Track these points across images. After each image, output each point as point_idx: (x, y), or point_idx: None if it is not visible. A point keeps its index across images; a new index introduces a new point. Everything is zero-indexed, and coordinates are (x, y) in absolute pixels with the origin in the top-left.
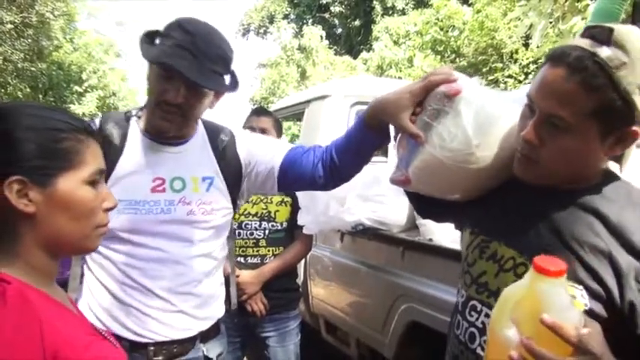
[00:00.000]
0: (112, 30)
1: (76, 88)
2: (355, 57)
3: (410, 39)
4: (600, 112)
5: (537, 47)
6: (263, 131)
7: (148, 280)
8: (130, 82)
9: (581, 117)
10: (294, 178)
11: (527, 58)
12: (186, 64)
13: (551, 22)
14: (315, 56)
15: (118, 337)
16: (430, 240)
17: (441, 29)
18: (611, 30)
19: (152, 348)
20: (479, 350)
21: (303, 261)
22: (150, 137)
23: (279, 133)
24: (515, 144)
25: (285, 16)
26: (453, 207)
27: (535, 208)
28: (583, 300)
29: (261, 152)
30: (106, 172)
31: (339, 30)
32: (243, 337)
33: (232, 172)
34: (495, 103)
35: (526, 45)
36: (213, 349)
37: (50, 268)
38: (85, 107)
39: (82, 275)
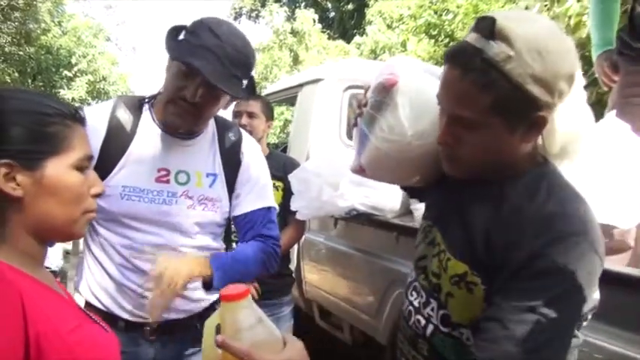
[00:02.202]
0: (100, 13)
1: (66, 72)
2: (349, 41)
3: (404, 23)
4: (500, 106)
5: None
6: (251, 115)
7: (144, 263)
8: (120, 67)
9: (483, 114)
10: (238, 225)
11: None
12: (210, 67)
13: (546, 5)
14: (307, 40)
15: (115, 317)
16: None
17: (435, 13)
18: (493, 22)
19: (148, 328)
20: (413, 327)
21: (296, 246)
22: (161, 128)
23: (269, 117)
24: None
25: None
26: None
27: (460, 197)
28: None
29: (253, 181)
30: (116, 157)
31: (332, 14)
32: None
33: (232, 171)
34: (431, 91)
35: None
36: None
37: (38, 252)
38: (74, 92)
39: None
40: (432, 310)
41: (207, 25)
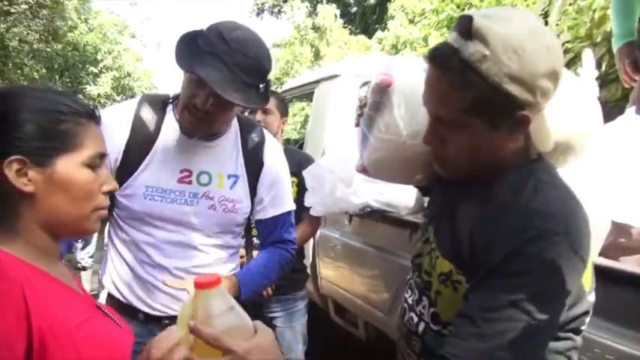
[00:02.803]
0: (125, 10)
1: (92, 68)
2: (370, 36)
3: (426, 17)
4: (479, 106)
5: (556, 25)
6: (265, 111)
7: (165, 260)
8: (145, 63)
9: (462, 114)
10: (259, 228)
11: None
12: (218, 77)
13: None
14: (329, 36)
15: (135, 309)
16: None
17: (458, 7)
18: (470, 21)
19: (167, 321)
20: (407, 324)
21: (311, 242)
22: (183, 130)
23: (284, 113)
24: None
25: None
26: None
27: (453, 196)
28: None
29: (275, 186)
30: (140, 158)
31: (354, 9)
32: (250, 317)
33: (254, 173)
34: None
35: (545, 22)
36: None
37: (51, 247)
38: (100, 88)
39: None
40: (424, 307)
41: (220, 30)
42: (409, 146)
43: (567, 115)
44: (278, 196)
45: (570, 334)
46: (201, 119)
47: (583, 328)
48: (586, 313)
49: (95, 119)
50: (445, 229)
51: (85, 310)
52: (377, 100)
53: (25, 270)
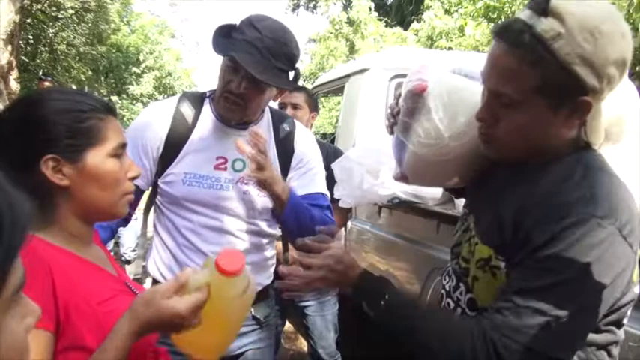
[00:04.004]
0: (165, 11)
1: (134, 69)
2: (406, 28)
3: (462, 7)
4: (544, 86)
5: None
6: (295, 107)
7: (204, 244)
8: (184, 62)
9: (527, 92)
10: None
11: None
12: (251, 60)
13: None
14: (364, 29)
15: None
16: None
17: None
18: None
19: None
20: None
21: (343, 233)
22: (219, 119)
23: (314, 108)
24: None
25: None
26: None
27: (495, 182)
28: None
29: (305, 167)
30: (179, 147)
31: (390, 1)
32: (282, 306)
33: (285, 161)
34: (462, 91)
35: None
36: (261, 310)
37: (83, 232)
38: (142, 87)
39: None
40: (461, 293)
41: (250, 20)
42: (452, 148)
43: (612, 102)
44: (308, 176)
45: (611, 327)
46: (237, 103)
47: (624, 321)
48: (628, 304)
49: (113, 113)
50: (487, 215)
51: (112, 288)
52: (412, 107)
53: (54, 252)
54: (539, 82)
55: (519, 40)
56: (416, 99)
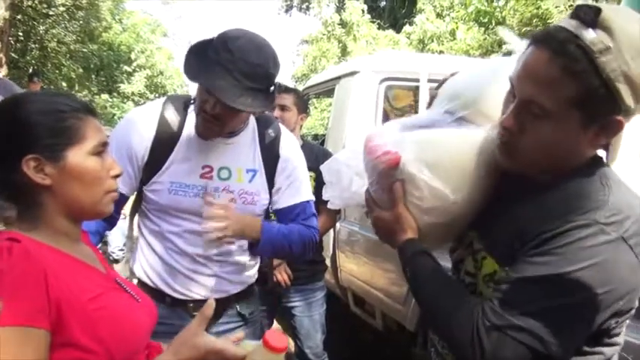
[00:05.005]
0: (158, 9)
1: (126, 67)
2: (399, 31)
3: (454, 11)
4: (582, 99)
5: None
6: (283, 108)
7: (190, 248)
8: (176, 61)
9: (562, 103)
10: (279, 218)
11: None
12: (223, 85)
13: None
14: (356, 31)
15: (163, 293)
16: None
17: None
18: (598, 11)
19: (192, 305)
20: None
21: (332, 234)
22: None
23: (303, 110)
24: (494, 135)
25: None
26: None
27: (504, 197)
28: None
29: (292, 176)
30: (164, 155)
31: (383, 3)
32: (269, 307)
33: (271, 166)
34: (433, 140)
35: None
36: (246, 307)
37: (71, 230)
38: (134, 86)
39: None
40: None
41: (225, 39)
42: (458, 199)
43: None
44: (294, 186)
45: (615, 339)
46: (213, 122)
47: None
48: (629, 310)
49: (92, 113)
50: (497, 231)
51: (101, 285)
52: (396, 180)
53: (44, 251)
54: (576, 94)
55: (563, 48)
56: (392, 174)
